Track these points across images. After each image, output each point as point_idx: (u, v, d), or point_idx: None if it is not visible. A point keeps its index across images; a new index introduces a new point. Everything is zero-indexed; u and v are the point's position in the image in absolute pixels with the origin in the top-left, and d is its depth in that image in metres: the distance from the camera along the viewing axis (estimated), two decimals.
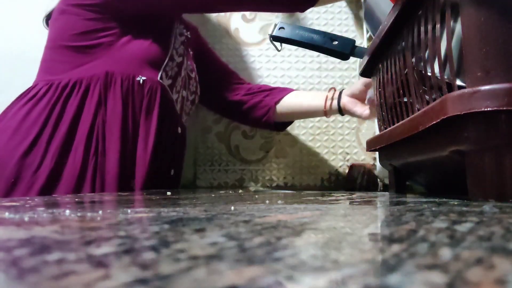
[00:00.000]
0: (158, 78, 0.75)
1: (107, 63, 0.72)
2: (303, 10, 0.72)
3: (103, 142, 0.69)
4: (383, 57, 0.53)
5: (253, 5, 0.77)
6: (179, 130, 0.83)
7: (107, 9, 0.73)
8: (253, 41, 1.02)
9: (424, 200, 0.35)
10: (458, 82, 0.33)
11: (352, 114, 0.79)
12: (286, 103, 0.87)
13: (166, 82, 0.77)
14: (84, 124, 0.69)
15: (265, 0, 0.72)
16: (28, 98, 0.71)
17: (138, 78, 0.73)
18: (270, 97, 0.89)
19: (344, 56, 0.63)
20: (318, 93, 0.86)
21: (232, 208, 0.27)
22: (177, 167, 0.84)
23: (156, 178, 0.74)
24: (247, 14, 1.02)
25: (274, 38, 0.63)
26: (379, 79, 0.57)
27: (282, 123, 0.92)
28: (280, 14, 1.03)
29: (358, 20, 1.03)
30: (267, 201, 0.34)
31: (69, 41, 0.73)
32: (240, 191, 0.64)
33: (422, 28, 0.38)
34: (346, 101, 0.79)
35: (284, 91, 0.89)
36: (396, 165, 0.55)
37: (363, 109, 0.76)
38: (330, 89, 0.83)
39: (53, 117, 0.68)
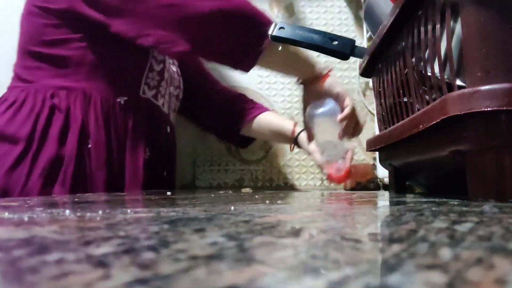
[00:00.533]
0: (140, 93, 0.72)
1: (84, 81, 0.67)
2: (246, 71, 0.65)
3: (90, 166, 0.65)
4: (383, 57, 0.53)
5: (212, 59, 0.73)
6: (168, 129, 0.81)
7: (71, 16, 0.67)
8: None
9: (424, 200, 0.35)
10: (458, 82, 0.33)
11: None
12: (257, 125, 0.86)
13: (149, 94, 0.74)
14: (71, 146, 0.64)
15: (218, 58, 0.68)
16: (7, 104, 0.66)
17: (118, 99, 0.69)
18: (240, 118, 0.87)
19: (344, 56, 0.63)
20: (288, 124, 0.84)
21: (232, 208, 0.27)
22: (169, 168, 0.83)
23: (149, 184, 0.72)
24: None
25: (274, 38, 0.62)
26: (379, 79, 0.57)
27: (246, 139, 0.91)
28: (280, 14, 1.03)
29: (358, 20, 1.03)
30: (267, 201, 0.34)
31: (38, 47, 0.68)
32: (244, 190, 0.64)
33: (422, 28, 0.38)
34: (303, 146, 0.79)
35: (253, 113, 0.87)
36: (396, 165, 0.55)
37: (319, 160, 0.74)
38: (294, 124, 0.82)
39: (38, 131, 0.64)
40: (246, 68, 0.65)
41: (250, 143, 0.93)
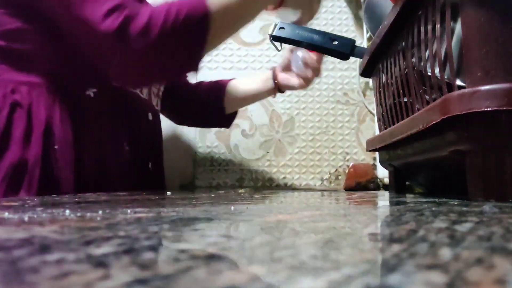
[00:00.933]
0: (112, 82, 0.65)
1: (46, 76, 0.61)
2: (195, 70, 0.61)
3: (57, 169, 0.60)
4: (383, 57, 0.53)
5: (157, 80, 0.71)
6: (150, 116, 0.75)
7: (20, 4, 0.61)
8: (253, 41, 1.02)
9: (424, 200, 0.35)
10: (458, 82, 0.33)
11: (290, 88, 0.80)
12: (230, 96, 0.85)
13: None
14: (35, 148, 0.58)
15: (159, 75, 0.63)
16: None
17: (88, 92, 0.63)
18: (216, 94, 0.86)
19: (344, 56, 0.63)
20: (257, 76, 0.85)
21: (232, 208, 0.27)
22: (155, 160, 0.77)
23: (133, 181, 0.68)
24: None
25: (274, 38, 0.63)
26: (379, 79, 0.57)
27: (228, 117, 0.89)
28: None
29: (358, 20, 1.03)
30: (267, 201, 0.34)
31: None
32: (240, 190, 0.64)
33: (422, 28, 0.38)
34: (280, 79, 0.79)
35: (223, 83, 0.86)
36: (396, 165, 0.55)
37: (297, 81, 0.77)
38: (271, 69, 0.83)
39: None
40: (194, 68, 0.60)
41: (233, 119, 0.91)
